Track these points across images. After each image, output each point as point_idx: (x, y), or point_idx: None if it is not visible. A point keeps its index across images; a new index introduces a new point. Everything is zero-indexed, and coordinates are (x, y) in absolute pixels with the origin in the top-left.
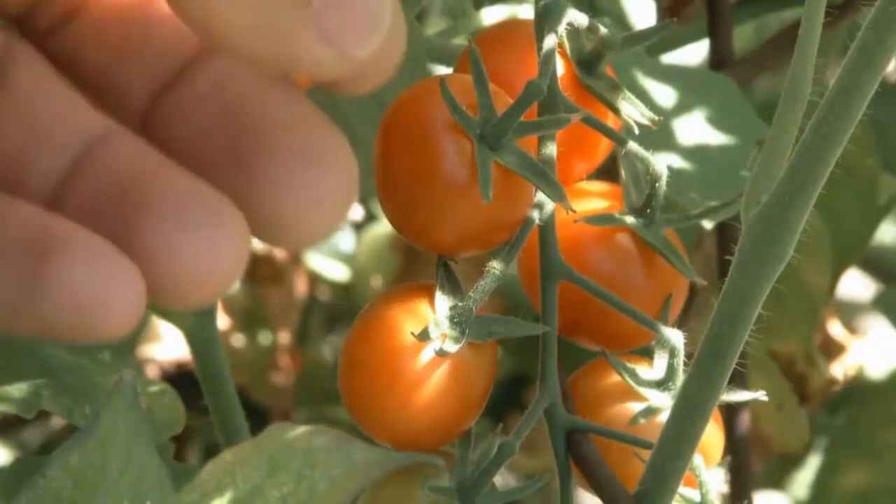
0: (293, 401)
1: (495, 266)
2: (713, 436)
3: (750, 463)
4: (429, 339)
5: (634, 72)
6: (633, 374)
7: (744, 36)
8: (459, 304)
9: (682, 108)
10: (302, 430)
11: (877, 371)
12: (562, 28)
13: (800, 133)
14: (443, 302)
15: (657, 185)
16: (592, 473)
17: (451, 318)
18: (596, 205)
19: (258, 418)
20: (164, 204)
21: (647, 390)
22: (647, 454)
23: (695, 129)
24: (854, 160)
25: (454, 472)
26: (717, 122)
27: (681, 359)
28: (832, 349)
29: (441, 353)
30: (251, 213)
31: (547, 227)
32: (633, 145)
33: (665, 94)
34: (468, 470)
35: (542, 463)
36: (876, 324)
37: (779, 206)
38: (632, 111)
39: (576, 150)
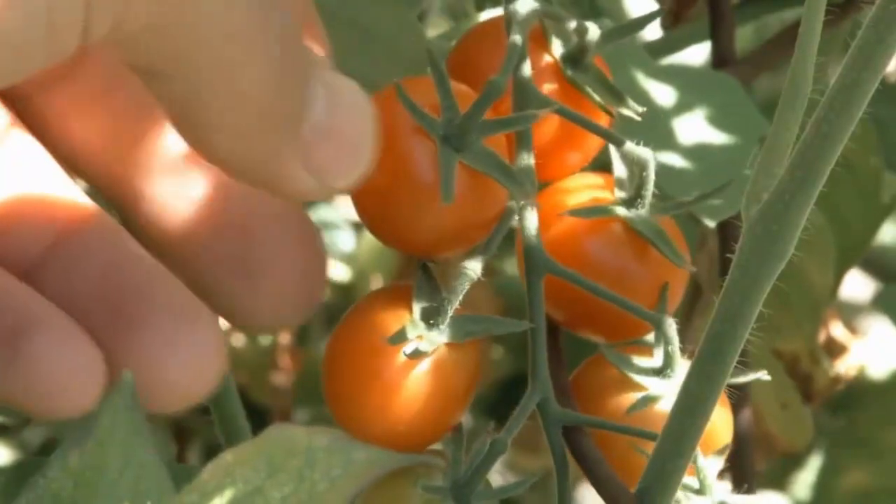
0: (293, 401)
1: (469, 266)
2: (720, 419)
3: (752, 460)
4: (405, 340)
5: (635, 72)
6: (630, 364)
7: (744, 36)
8: (435, 304)
9: (683, 107)
10: (302, 430)
11: (878, 371)
12: (528, 27)
13: (800, 131)
14: (420, 303)
15: (645, 174)
16: (593, 472)
17: (427, 319)
18: (589, 197)
19: (258, 418)
20: (152, 313)
21: (644, 379)
22: (646, 445)
23: (696, 128)
24: (857, 159)
25: (448, 472)
26: (718, 120)
27: (676, 346)
28: (833, 349)
29: (415, 355)
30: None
31: (528, 222)
32: (616, 136)
33: (666, 94)
34: (461, 469)
35: (543, 463)
36: (877, 324)
37: (779, 204)
38: (615, 103)
39: (567, 143)
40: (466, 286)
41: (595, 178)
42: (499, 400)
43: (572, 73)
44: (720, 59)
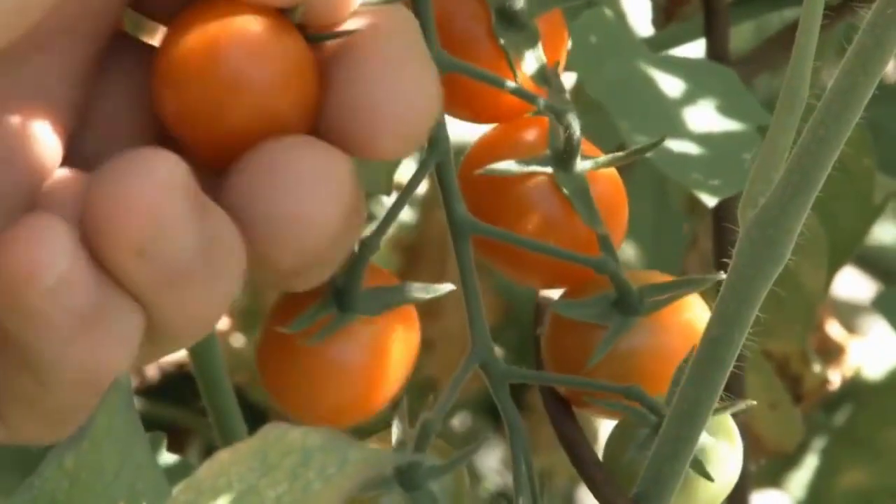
0: None
1: (368, 237)
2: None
3: (748, 462)
4: (308, 324)
5: (639, 62)
6: (576, 307)
7: (743, 35)
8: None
9: (686, 94)
10: (297, 429)
11: (875, 371)
12: None
13: (797, 135)
14: (333, 281)
15: (570, 129)
16: (590, 476)
17: (337, 297)
18: (521, 149)
19: (257, 418)
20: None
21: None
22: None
23: (699, 115)
24: (850, 160)
25: (391, 457)
26: (720, 108)
27: (622, 274)
28: (831, 350)
29: (324, 334)
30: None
31: (446, 181)
32: (530, 95)
33: (670, 82)
34: (406, 452)
35: (542, 463)
36: (874, 324)
37: (776, 209)
38: (531, 66)
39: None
40: (368, 257)
41: (532, 127)
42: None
43: (504, 31)
44: (714, 57)
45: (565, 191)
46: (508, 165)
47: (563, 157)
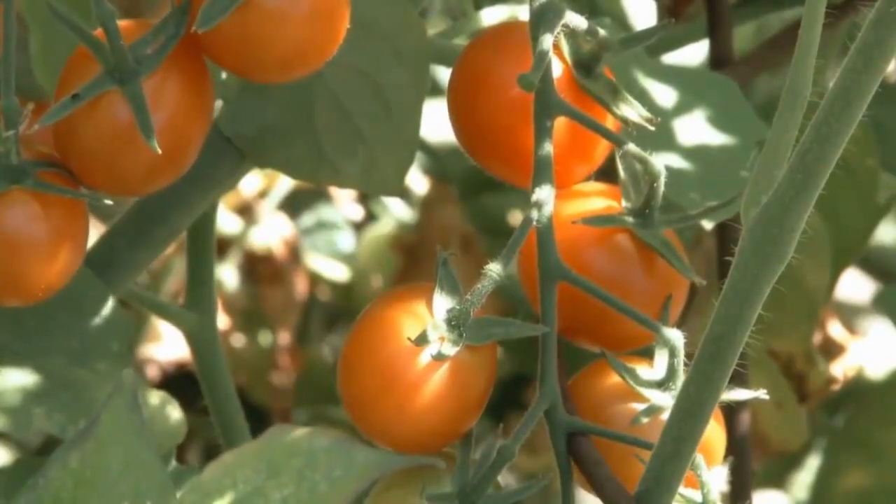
0: (293, 401)
1: (493, 269)
2: (715, 435)
3: (750, 462)
4: (426, 342)
5: (634, 71)
6: (634, 375)
7: (744, 36)
8: (457, 306)
9: (681, 108)
10: (303, 431)
11: (876, 371)
12: (557, 29)
13: (800, 133)
14: (441, 304)
15: (655, 185)
16: (592, 474)
17: (449, 321)
18: (595, 205)
19: (258, 418)
20: None
21: (647, 390)
22: (647, 454)
23: (695, 129)
24: (854, 160)
25: (455, 476)
26: (716, 122)
27: (681, 358)
28: (832, 350)
29: (438, 357)
30: None
31: (545, 228)
32: (631, 146)
33: (665, 94)
34: (468, 474)
35: (542, 463)
36: (875, 324)
37: (779, 207)
38: (629, 112)
39: (575, 152)
40: (490, 287)
41: (599, 187)
42: (497, 400)
43: (586, 81)
44: (718, 58)
45: (655, 245)
46: (600, 218)
47: (644, 211)
